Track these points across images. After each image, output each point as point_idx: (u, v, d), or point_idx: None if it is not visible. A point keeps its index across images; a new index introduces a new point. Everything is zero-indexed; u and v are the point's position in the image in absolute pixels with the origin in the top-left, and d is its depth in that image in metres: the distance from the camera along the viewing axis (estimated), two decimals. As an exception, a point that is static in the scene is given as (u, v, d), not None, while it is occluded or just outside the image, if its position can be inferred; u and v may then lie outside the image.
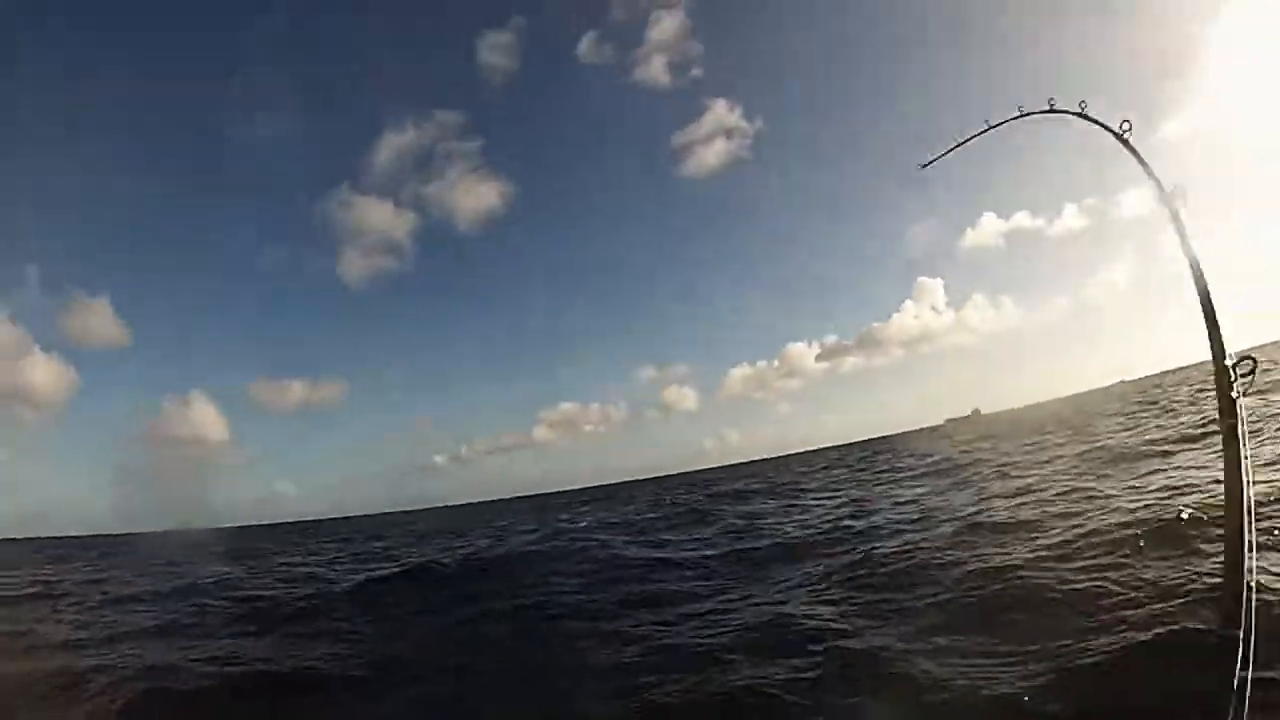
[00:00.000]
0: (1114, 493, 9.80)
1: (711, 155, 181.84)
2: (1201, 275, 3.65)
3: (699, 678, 5.51)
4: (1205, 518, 6.86)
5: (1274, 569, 5.20)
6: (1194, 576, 5.52)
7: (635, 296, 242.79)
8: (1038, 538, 8.03)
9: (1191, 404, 23.07)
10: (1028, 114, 4.72)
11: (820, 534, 11.65)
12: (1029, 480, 13.27)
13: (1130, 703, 4.06)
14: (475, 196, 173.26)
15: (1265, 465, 8.75)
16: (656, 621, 7.35)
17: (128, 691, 6.40)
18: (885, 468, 26.71)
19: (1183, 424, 17.05)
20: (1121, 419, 24.57)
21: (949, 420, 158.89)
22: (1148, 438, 15.73)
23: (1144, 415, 23.56)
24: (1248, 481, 3.16)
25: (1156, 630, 4.75)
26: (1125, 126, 4.01)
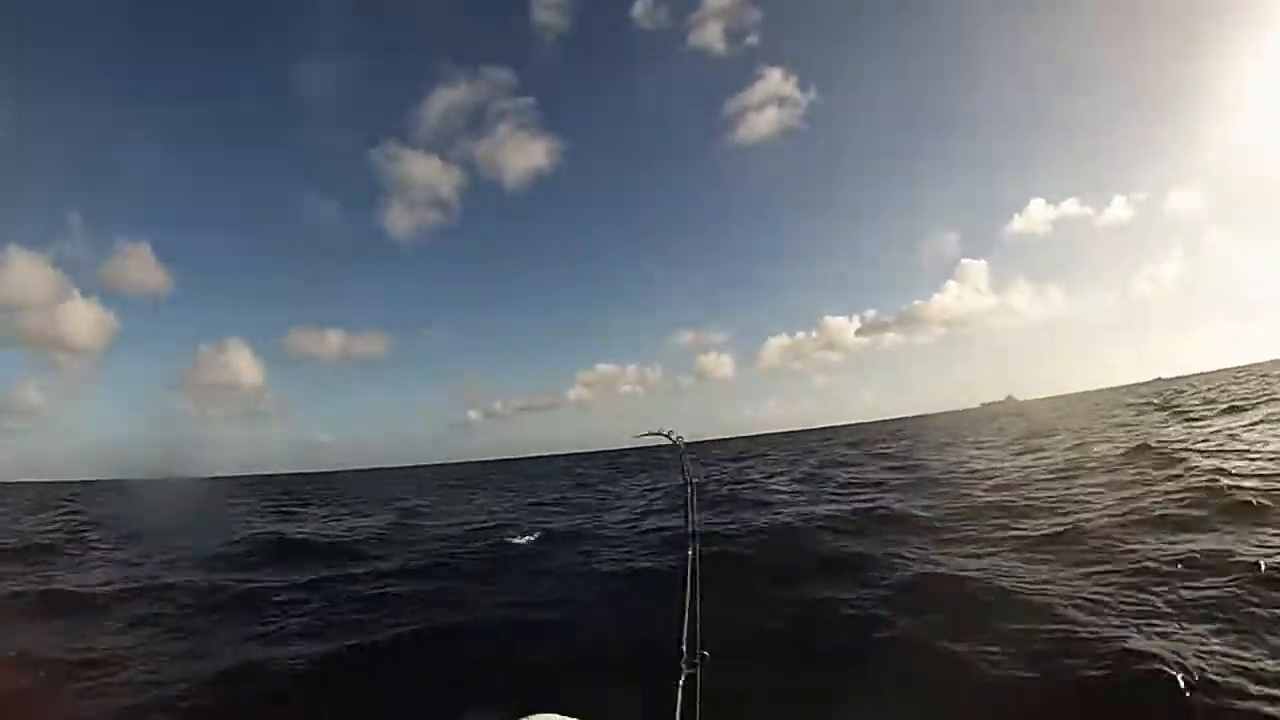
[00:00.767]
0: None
1: (763, 123, 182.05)
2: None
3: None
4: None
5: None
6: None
7: (678, 261, 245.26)
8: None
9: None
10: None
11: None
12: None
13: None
14: (524, 155, 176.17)
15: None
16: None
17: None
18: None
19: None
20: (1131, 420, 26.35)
21: (983, 404, 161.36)
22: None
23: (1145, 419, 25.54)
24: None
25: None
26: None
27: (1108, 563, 6.67)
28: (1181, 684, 3.94)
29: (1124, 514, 8.59)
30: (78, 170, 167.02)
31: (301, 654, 6.23)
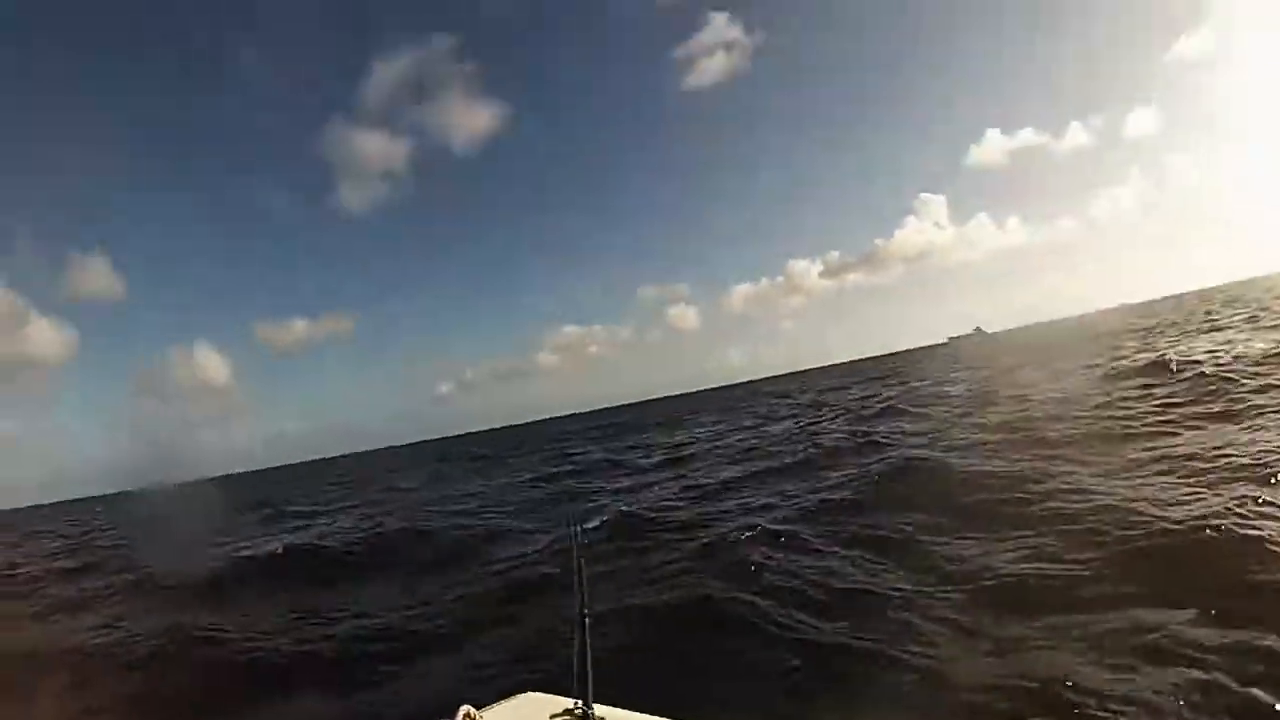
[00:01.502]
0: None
1: (711, 69, 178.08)
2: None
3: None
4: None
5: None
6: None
7: (635, 214, 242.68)
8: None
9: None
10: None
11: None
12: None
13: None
14: (472, 118, 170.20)
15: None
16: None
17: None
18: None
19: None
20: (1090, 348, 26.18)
21: (951, 339, 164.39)
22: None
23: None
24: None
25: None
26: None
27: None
28: None
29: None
30: (18, 184, 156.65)
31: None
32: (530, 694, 2.40)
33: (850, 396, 28.86)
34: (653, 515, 9.46)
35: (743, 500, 10.10)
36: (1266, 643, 3.61)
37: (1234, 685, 3.31)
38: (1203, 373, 12.72)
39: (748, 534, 7.38)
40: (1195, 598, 4.28)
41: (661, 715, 2.12)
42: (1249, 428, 8.59)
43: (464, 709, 2.10)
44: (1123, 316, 65.55)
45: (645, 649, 4.97)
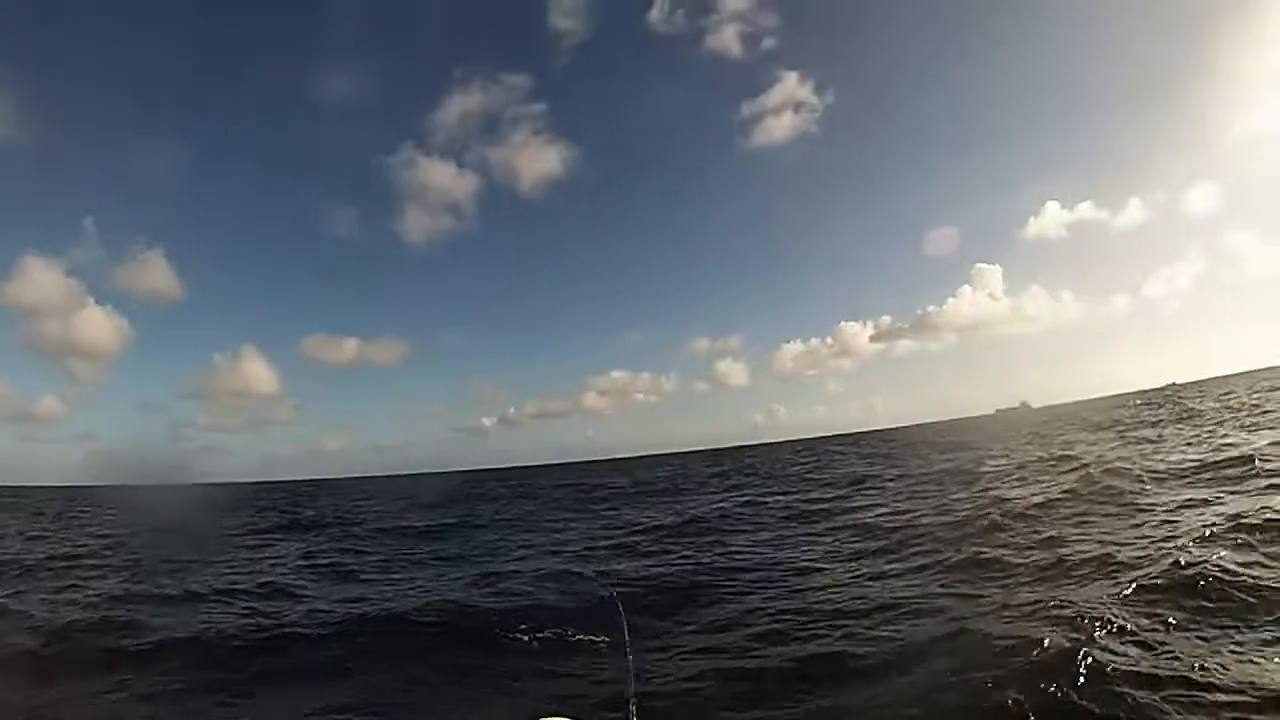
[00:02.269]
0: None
1: (779, 128, 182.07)
2: None
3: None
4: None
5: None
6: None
7: (693, 267, 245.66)
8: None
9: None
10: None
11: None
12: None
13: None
14: (539, 161, 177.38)
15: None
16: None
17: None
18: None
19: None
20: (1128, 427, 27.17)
21: (998, 410, 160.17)
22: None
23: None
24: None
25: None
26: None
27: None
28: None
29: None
30: (93, 176, 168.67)
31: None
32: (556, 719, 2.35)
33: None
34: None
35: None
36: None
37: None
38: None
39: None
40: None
41: None
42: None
43: None
44: (1173, 394, 63.73)
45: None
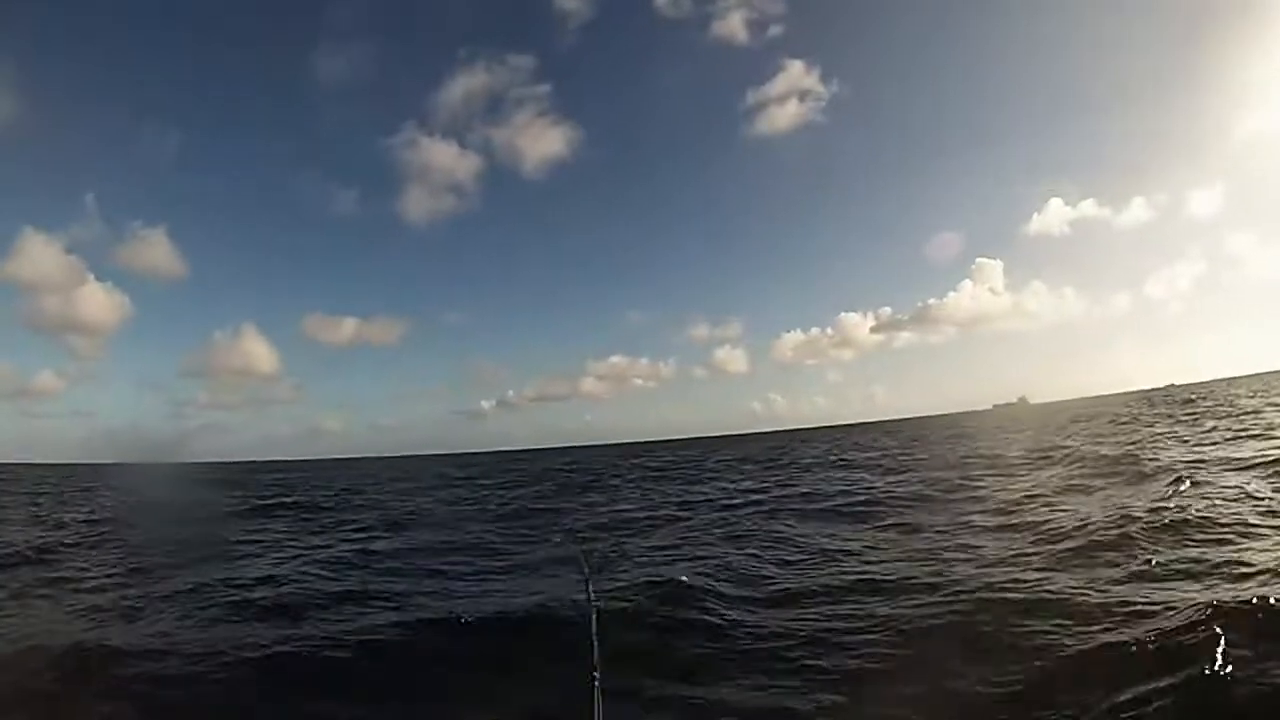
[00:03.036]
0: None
1: (783, 116, 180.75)
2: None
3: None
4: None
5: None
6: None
7: (695, 252, 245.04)
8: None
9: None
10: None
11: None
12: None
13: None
14: (543, 142, 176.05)
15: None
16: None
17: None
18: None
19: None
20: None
21: (996, 406, 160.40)
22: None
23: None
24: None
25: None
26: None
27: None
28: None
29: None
30: (95, 153, 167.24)
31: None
32: None
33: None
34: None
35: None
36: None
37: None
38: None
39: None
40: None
41: None
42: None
43: None
44: (1169, 395, 63.66)
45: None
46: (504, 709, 5.09)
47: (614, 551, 10.54)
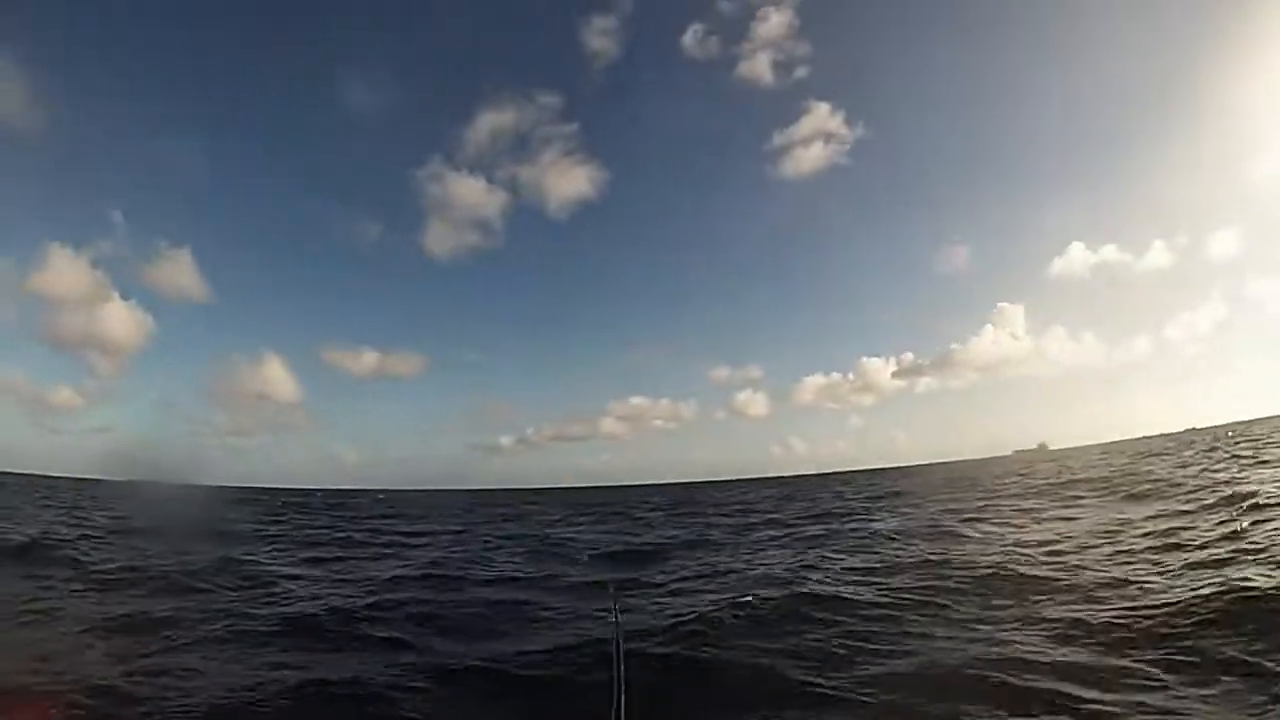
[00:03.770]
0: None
1: (808, 159, 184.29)
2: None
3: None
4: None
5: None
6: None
7: (718, 294, 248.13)
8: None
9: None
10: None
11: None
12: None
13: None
14: (568, 181, 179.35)
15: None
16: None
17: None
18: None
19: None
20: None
21: (1017, 451, 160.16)
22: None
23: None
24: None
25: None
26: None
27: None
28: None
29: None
30: (124, 170, 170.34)
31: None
32: None
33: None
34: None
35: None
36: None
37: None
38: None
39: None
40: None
41: None
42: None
43: None
44: (1190, 440, 64.50)
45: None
46: None
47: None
